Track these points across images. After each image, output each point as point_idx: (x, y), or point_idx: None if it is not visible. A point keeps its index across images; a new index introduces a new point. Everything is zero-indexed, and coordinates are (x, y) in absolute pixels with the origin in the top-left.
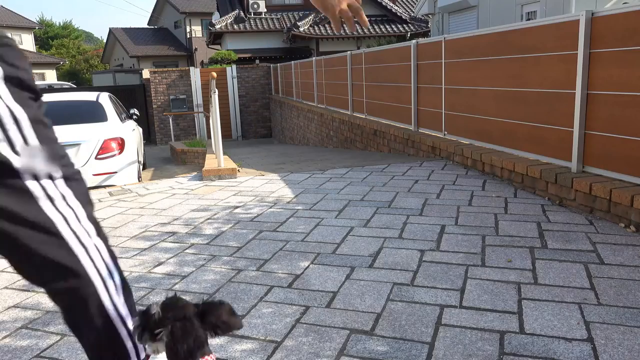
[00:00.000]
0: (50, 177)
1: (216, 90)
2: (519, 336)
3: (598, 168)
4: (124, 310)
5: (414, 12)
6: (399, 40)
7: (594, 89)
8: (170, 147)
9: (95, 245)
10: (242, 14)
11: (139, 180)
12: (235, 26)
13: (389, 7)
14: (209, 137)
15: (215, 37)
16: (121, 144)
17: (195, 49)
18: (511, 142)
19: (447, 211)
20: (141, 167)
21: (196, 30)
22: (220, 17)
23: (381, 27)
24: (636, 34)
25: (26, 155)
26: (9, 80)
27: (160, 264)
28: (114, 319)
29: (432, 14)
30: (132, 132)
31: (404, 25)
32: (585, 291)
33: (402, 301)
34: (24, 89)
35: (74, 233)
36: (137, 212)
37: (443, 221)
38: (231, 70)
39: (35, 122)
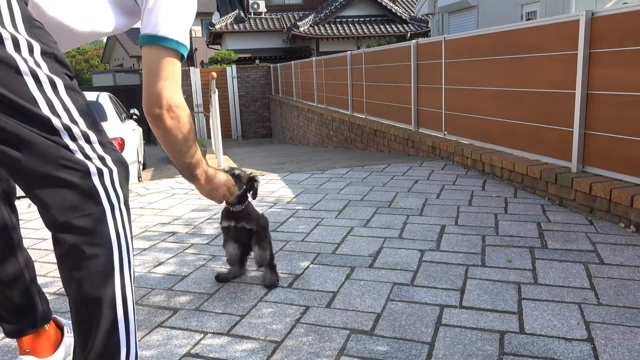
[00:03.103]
0: (88, 140)
1: (216, 90)
2: (519, 336)
3: (598, 168)
4: (130, 297)
5: (414, 12)
6: (399, 40)
7: (594, 89)
8: None
9: (121, 212)
10: (242, 14)
11: (139, 180)
12: (235, 26)
13: (389, 7)
14: (209, 137)
15: (215, 37)
16: (121, 144)
17: (195, 49)
18: (511, 142)
19: (447, 211)
20: (141, 167)
21: (196, 30)
22: (220, 17)
23: (381, 27)
24: (636, 34)
25: (65, 117)
26: (46, 55)
27: (160, 263)
28: (118, 306)
29: (432, 14)
30: (132, 132)
31: (404, 25)
32: (585, 291)
33: (402, 301)
34: (60, 64)
35: (105, 190)
36: (137, 212)
37: (443, 221)
38: (231, 70)
39: (71, 90)
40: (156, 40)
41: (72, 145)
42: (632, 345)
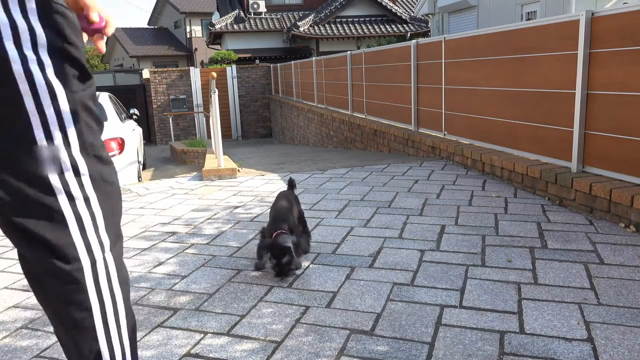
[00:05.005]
0: (77, 173)
1: (216, 90)
2: (519, 336)
3: (598, 168)
4: (119, 350)
5: (414, 12)
6: (399, 40)
7: (594, 89)
8: (170, 147)
9: (105, 260)
10: (242, 14)
11: (139, 180)
12: (235, 26)
13: (389, 7)
14: (209, 137)
15: (215, 37)
16: (121, 144)
17: (195, 49)
18: (511, 142)
19: (447, 211)
20: (141, 167)
21: (196, 30)
22: (220, 17)
23: (381, 27)
24: (636, 34)
25: (58, 138)
26: (53, 52)
27: (160, 263)
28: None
29: (432, 14)
30: (132, 132)
31: (404, 25)
32: (585, 291)
33: (402, 301)
34: (71, 66)
35: (86, 243)
36: (138, 212)
37: (443, 221)
38: (231, 70)
39: (74, 103)
40: None
41: (54, 181)
42: (632, 345)
